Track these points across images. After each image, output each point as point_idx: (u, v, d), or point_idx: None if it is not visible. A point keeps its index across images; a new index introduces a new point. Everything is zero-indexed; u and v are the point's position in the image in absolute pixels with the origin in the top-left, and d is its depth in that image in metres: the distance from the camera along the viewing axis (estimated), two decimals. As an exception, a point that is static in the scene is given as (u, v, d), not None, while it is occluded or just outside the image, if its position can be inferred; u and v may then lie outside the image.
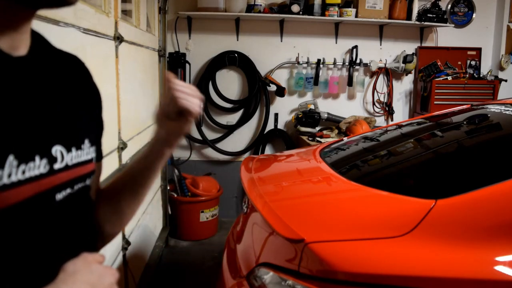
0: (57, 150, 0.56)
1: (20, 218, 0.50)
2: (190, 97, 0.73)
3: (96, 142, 0.71)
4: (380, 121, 3.73)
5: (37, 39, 0.60)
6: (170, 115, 0.74)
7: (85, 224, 0.67)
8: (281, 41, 3.56)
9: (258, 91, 3.52)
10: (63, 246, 0.58)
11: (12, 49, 0.53)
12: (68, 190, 0.59)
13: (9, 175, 0.47)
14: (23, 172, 0.49)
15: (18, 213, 0.49)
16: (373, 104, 3.71)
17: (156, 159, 0.78)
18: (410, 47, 3.68)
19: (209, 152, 3.65)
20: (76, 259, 0.55)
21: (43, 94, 0.56)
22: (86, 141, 0.64)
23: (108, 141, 1.79)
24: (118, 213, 0.81)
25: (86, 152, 0.63)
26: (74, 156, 0.60)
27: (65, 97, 0.62)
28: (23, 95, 0.52)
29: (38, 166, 0.52)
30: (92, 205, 0.71)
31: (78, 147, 0.61)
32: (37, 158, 0.52)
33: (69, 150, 0.58)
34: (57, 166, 0.56)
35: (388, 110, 3.71)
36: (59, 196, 0.57)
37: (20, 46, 0.54)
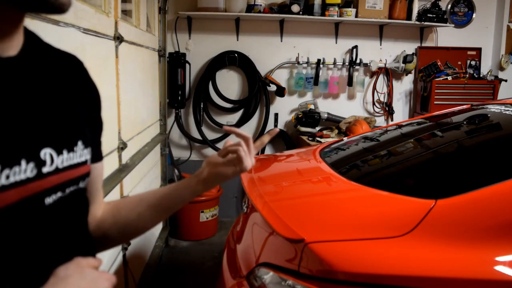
0: (46, 153, 0.54)
1: (7, 223, 0.48)
2: (248, 155, 0.81)
3: (95, 143, 0.70)
4: (380, 121, 3.73)
5: (30, 38, 0.58)
6: (222, 160, 0.81)
7: (79, 227, 0.65)
8: (281, 41, 3.56)
9: (258, 91, 3.52)
10: (55, 250, 0.56)
11: (2, 50, 0.51)
12: (59, 194, 0.57)
13: None
14: (7, 177, 0.48)
15: (4, 218, 0.48)
16: (373, 104, 3.71)
17: (186, 191, 0.83)
18: (410, 47, 3.68)
19: (209, 152, 3.65)
20: (69, 263, 0.54)
21: (32, 95, 0.55)
22: (79, 143, 0.62)
23: (108, 141, 1.79)
24: (130, 228, 0.83)
25: (79, 154, 0.61)
26: (65, 159, 0.58)
27: (58, 98, 0.60)
28: (10, 97, 0.51)
29: (25, 170, 0.50)
30: (87, 208, 0.69)
31: (70, 149, 0.59)
32: (23, 162, 0.50)
33: (60, 153, 0.57)
34: (46, 169, 0.54)
35: (388, 110, 3.71)
36: (49, 200, 0.55)
37: (10, 46, 0.53)
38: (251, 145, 0.82)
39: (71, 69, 0.67)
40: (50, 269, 0.53)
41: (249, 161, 0.80)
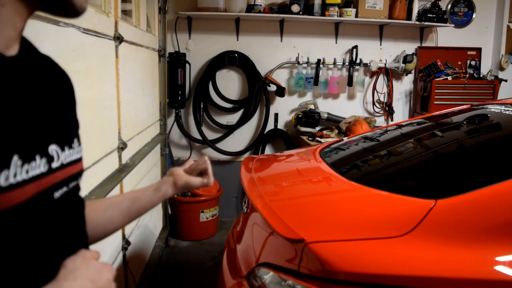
0: (53, 149, 0.56)
1: (24, 217, 0.50)
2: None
3: None
4: (380, 121, 3.73)
5: (24, 40, 0.60)
6: (191, 172, 0.98)
7: (79, 221, 0.68)
8: (281, 41, 3.56)
9: (258, 91, 3.52)
10: (62, 243, 0.59)
11: (5, 49, 0.53)
12: (64, 189, 0.60)
13: (15, 175, 0.48)
14: (27, 172, 0.50)
15: (22, 212, 0.50)
16: (373, 104, 3.71)
17: (156, 195, 0.93)
18: (410, 47, 3.68)
19: (209, 152, 3.65)
20: (75, 256, 0.56)
21: (36, 93, 0.57)
22: (75, 140, 0.65)
23: (108, 141, 1.79)
24: (100, 230, 0.87)
25: (76, 151, 0.64)
26: (67, 155, 0.60)
27: (54, 97, 0.62)
28: (20, 94, 0.53)
29: (39, 166, 0.52)
30: (84, 203, 0.72)
31: (70, 146, 0.62)
32: (37, 158, 0.52)
33: (63, 149, 0.59)
34: (54, 165, 0.56)
35: (388, 110, 3.71)
36: (57, 194, 0.57)
37: (12, 46, 0.54)
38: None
39: (56, 72, 0.69)
40: (58, 262, 0.55)
41: (212, 177, 0.99)
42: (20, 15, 0.53)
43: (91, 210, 0.85)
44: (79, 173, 0.66)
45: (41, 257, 0.54)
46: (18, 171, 0.48)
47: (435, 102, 3.41)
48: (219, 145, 3.61)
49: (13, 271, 0.49)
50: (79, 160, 0.66)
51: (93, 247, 0.73)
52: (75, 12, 0.56)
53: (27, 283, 0.52)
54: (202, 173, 0.98)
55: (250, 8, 3.28)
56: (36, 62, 0.62)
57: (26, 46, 0.60)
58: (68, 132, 0.63)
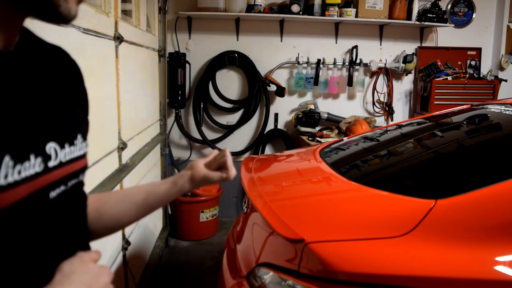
0: (51, 147, 0.55)
1: (15, 218, 0.49)
2: (233, 165, 0.92)
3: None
4: (380, 121, 3.73)
5: (24, 33, 0.58)
6: (211, 165, 0.92)
7: (79, 220, 0.66)
8: (281, 41, 3.56)
9: (258, 91, 3.52)
10: (58, 244, 0.57)
11: (2, 46, 0.52)
12: (62, 187, 0.58)
13: (6, 176, 0.46)
14: (19, 172, 0.48)
15: (14, 213, 0.48)
16: (373, 104, 3.71)
17: (172, 190, 0.89)
18: (410, 47, 3.68)
19: (209, 152, 3.64)
20: (72, 258, 0.55)
21: (34, 90, 0.55)
22: (79, 136, 0.63)
23: (108, 141, 1.79)
24: (113, 222, 0.85)
25: (79, 147, 0.62)
26: (67, 153, 0.59)
27: (56, 92, 0.60)
28: (15, 92, 0.51)
29: (33, 165, 0.51)
30: (86, 200, 0.71)
31: (71, 143, 0.60)
32: (32, 157, 0.51)
33: (62, 147, 0.57)
34: (51, 163, 0.55)
35: (388, 110, 3.71)
36: (53, 194, 0.56)
37: (9, 42, 0.53)
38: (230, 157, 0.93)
39: (62, 63, 0.67)
40: (54, 263, 0.53)
41: (234, 170, 0.91)
42: (11, 16, 0.51)
43: (104, 202, 0.84)
44: (81, 170, 0.64)
45: (36, 259, 0.53)
46: (10, 172, 0.47)
47: (435, 102, 3.41)
48: (219, 145, 3.61)
49: (6, 273, 0.48)
50: (82, 156, 0.64)
51: (93, 245, 0.73)
52: (63, 20, 0.54)
53: (22, 285, 0.50)
54: (222, 167, 0.92)
55: (250, 8, 3.28)
56: (38, 56, 0.60)
57: (27, 40, 0.58)
58: (70, 128, 0.61)
